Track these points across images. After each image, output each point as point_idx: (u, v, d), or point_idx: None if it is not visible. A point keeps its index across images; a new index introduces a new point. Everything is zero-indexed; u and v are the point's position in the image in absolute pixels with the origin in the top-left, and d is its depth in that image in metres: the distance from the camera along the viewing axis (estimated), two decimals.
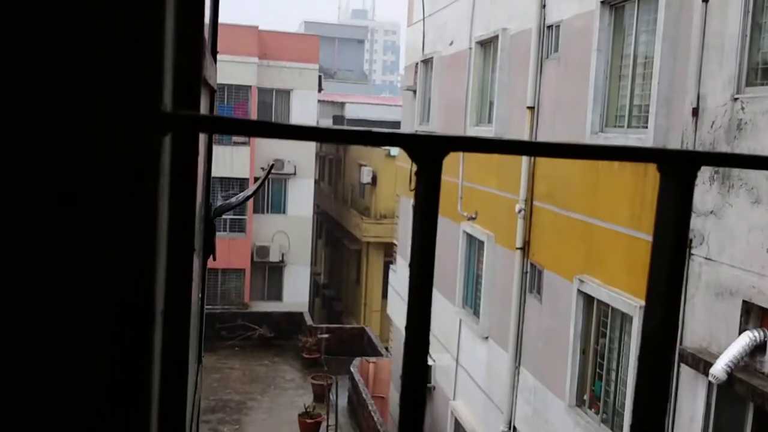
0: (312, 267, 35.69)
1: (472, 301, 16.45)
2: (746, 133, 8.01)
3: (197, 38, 1.12)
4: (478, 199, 15.89)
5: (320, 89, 35.26)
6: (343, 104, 45.45)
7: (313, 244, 35.85)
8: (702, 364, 8.26)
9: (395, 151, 25.87)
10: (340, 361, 26.87)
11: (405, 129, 21.71)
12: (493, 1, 15.61)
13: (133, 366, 0.68)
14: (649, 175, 9.59)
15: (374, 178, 31.62)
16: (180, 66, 1.01)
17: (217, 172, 29.90)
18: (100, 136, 0.61)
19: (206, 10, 1.93)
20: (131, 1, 0.62)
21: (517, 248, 13.67)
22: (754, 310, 7.89)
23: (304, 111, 32.90)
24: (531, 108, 13.42)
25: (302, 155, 32.95)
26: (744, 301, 7.97)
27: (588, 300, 11.41)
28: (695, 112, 8.82)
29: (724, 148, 8.28)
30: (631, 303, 9.94)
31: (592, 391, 11.45)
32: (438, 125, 18.68)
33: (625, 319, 10.37)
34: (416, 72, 20.82)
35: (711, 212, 8.54)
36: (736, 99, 8.15)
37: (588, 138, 11.12)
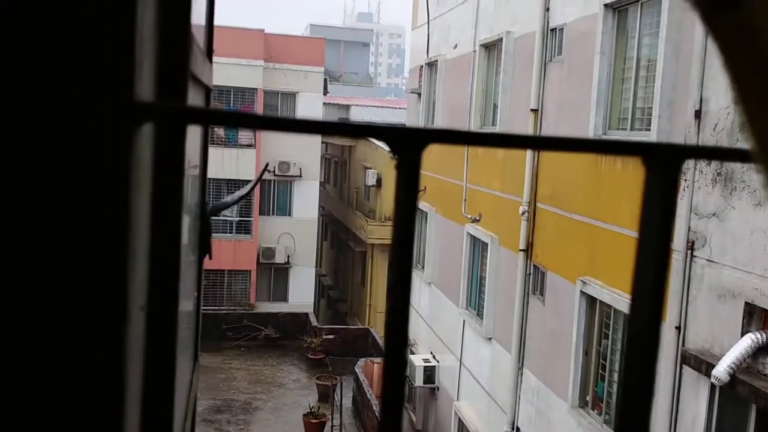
0: (317, 268, 35.72)
1: (475, 302, 16.45)
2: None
3: (184, 35, 1.13)
4: (482, 202, 15.90)
5: (326, 92, 35.28)
6: (348, 107, 45.44)
7: (319, 246, 35.84)
8: (704, 366, 8.25)
9: None
10: (344, 361, 26.91)
11: None
12: (497, 4, 15.61)
13: (100, 361, 0.67)
14: None
15: (379, 181, 31.63)
16: (164, 61, 1.02)
17: (223, 173, 30.10)
18: (68, 124, 0.62)
19: (200, 9, 1.93)
20: None
21: (520, 250, 13.68)
22: (756, 311, 7.88)
23: (309, 113, 32.92)
24: (535, 110, 13.42)
25: (308, 157, 32.99)
26: (746, 303, 7.96)
27: (590, 301, 11.41)
28: (698, 114, 8.81)
29: None
30: None
31: (594, 392, 11.45)
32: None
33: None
34: (421, 75, 20.85)
35: (713, 214, 8.53)
36: None
37: None
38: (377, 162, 31.86)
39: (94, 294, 0.66)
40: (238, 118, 0.71)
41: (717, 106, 8.50)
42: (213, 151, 28.74)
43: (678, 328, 9.06)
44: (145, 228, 0.91)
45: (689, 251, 8.91)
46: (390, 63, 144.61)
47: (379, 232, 30.50)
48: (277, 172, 32.36)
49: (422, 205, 19.69)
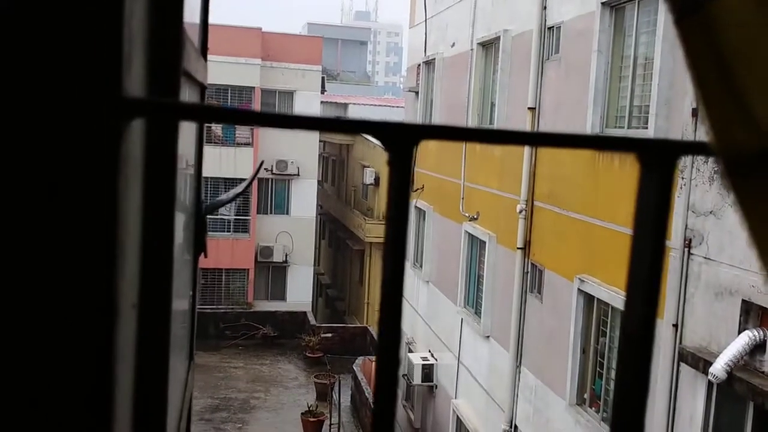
0: (315, 267, 35.72)
1: (473, 300, 16.46)
2: None
3: (176, 31, 1.12)
4: (479, 200, 15.90)
5: (323, 90, 35.27)
6: (346, 105, 45.43)
7: (317, 245, 35.83)
8: (702, 364, 8.26)
9: None
10: (342, 360, 26.92)
11: None
12: (495, 2, 15.61)
13: (88, 357, 0.67)
14: None
15: (377, 179, 31.64)
16: (156, 57, 1.01)
17: (220, 172, 30.08)
18: (54, 118, 0.61)
19: (194, 6, 1.93)
20: None
21: (518, 248, 13.68)
22: (753, 309, 7.89)
23: (307, 112, 32.86)
24: (532, 109, 13.43)
25: (306, 156, 32.99)
26: (743, 301, 7.96)
27: (588, 299, 11.42)
28: (695, 112, 8.81)
29: None
30: None
31: (592, 389, 11.46)
32: None
33: None
34: (418, 73, 20.84)
35: (710, 212, 8.53)
36: None
37: None
38: (375, 160, 31.86)
39: (82, 290, 0.65)
40: (229, 114, 0.70)
41: None
42: (210, 150, 28.76)
43: (675, 325, 9.07)
44: (136, 224, 0.91)
45: (686, 249, 8.92)
46: (388, 61, 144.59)
47: (377, 231, 30.49)
48: (274, 171, 32.37)
49: (420, 203, 19.70)
